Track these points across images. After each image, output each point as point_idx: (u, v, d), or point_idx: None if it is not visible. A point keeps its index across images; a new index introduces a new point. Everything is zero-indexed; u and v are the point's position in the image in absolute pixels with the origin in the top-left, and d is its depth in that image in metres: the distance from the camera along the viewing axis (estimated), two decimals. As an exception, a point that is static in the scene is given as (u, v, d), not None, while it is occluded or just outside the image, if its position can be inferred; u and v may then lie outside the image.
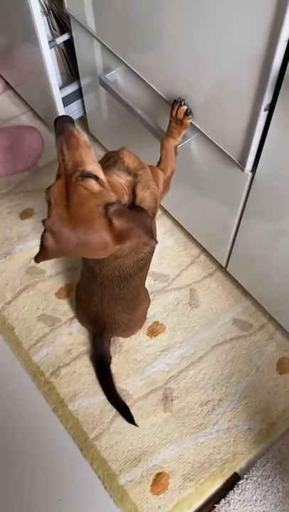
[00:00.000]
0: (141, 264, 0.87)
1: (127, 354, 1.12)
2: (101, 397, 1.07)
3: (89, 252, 0.73)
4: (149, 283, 1.14)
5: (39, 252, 0.72)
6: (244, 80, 0.69)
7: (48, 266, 1.24)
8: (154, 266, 1.19)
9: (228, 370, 1.10)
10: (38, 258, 0.73)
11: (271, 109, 0.69)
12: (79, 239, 0.68)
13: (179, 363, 1.11)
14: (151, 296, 1.13)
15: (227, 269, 1.16)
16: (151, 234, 0.70)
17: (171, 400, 1.07)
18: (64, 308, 1.18)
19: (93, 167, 0.69)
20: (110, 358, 1.07)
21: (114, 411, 1.05)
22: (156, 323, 1.15)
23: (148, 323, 1.15)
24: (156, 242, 0.71)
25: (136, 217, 0.70)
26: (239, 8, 0.62)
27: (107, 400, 1.06)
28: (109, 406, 1.06)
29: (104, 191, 0.69)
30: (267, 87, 0.66)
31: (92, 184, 0.68)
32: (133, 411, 1.04)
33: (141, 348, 1.13)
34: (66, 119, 0.69)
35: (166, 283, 1.20)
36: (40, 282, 1.21)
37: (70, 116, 0.71)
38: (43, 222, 0.69)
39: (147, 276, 0.99)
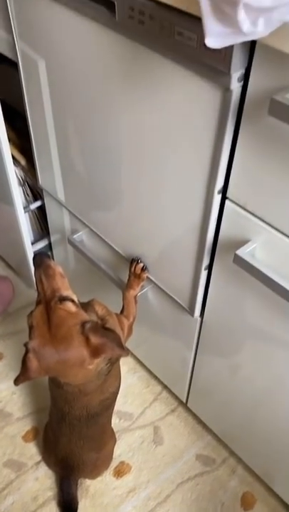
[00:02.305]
0: (107, 403, 0.94)
1: (94, 498, 1.12)
2: None
3: (67, 369, 0.79)
4: (114, 422, 1.19)
5: (20, 373, 0.78)
6: (187, 246, 0.85)
7: (15, 409, 1.27)
8: (119, 404, 1.25)
9: (194, 509, 1.11)
10: (19, 379, 0.78)
11: (210, 268, 0.85)
12: (60, 356, 0.76)
13: (146, 504, 1.11)
14: (116, 436, 1.17)
15: (188, 405, 1.23)
16: (123, 347, 0.78)
17: None
18: (31, 452, 1.19)
19: (69, 292, 0.80)
20: (77, 502, 1.07)
21: None
22: (122, 463, 1.18)
23: (114, 464, 1.17)
24: (128, 353, 0.79)
25: (109, 333, 0.79)
26: (179, 193, 0.80)
27: None
28: None
29: (80, 311, 0.79)
30: (205, 251, 0.82)
31: (70, 306, 0.78)
32: None
33: (107, 491, 1.13)
34: (44, 255, 0.82)
35: (131, 421, 1.25)
36: (7, 426, 1.24)
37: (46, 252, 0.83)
38: (25, 344, 0.77)
39: (112, 415, 1.05)
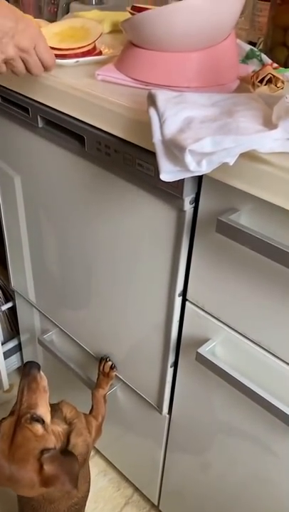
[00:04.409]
0: (75, 510, 0.92)
1: None
2: None
3: (17, 488, 0.80)
4: (85, 530, 1.15)
5: None
6: (153, 344, 0.90)
7: (-20, 521, 1.21)
8: (89, 511, 1.20)
9: None
10: None
11: (176, 365, 0.90)
12: (12, 474, 0.77)
13: None
14: None
15: (159, 508, 1.20)
16: (75, 482, 0.78)
17: None
18: None
19: (43, 410, 0.81)
20: None
21: None
22: None
23: None
24: (78, 491, 0.80)
25: (66, 464, 0.79)
26: (144, 296, 0.87)
27: None
28: None
29: (46, 435, 0.80)
30: (170, 349, 0.87)
31: (38, 428, 0.79)
32: None
33: None
34: (34, 365, 0.85)
35: (102, 529, 1.20)
36: None
37: (36, 362, 0.86)
38: None
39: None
